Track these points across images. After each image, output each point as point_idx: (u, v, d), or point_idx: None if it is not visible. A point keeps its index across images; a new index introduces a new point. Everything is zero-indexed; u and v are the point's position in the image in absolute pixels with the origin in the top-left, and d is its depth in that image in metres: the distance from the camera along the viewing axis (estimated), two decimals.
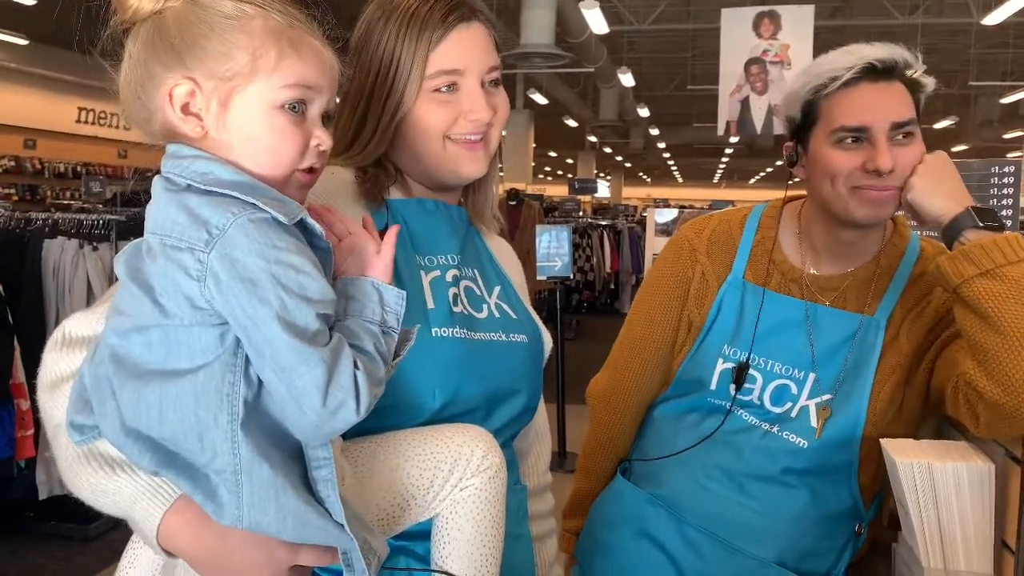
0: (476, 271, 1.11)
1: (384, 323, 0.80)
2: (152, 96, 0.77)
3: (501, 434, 1.03)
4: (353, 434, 0.92)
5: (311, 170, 0.82)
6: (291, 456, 0.76)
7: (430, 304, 1.00)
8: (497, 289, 1.12)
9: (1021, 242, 1.08)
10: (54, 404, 0.84)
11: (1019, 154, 15.07)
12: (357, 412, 0.72)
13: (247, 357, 0.73)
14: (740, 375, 1.29)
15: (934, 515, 1.10)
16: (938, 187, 1.15)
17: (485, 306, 1.08)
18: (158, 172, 0.78)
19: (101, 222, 3.73)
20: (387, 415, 0.93)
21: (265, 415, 0.74)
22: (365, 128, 1.03)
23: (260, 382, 0.74)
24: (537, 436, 1.23)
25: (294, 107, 0.79)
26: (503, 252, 1.20)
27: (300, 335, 0.70)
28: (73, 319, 0.88)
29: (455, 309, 1.02)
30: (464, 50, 1.01)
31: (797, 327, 1.29)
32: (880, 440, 1.17)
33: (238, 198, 0.73)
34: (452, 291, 1.03)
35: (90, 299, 3.48)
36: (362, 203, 1.03)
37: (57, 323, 3.82)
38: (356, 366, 0.73)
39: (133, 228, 3.72)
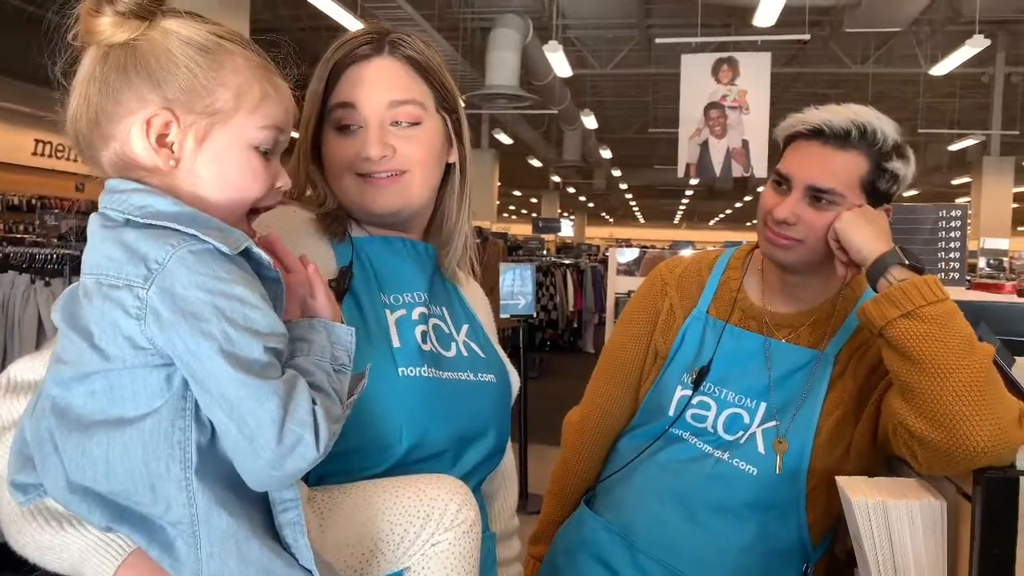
0: (444, 309, 1.10)
1: (335, 360, 0.77)
2: (115, 123, 0.74)
3: (470, 479, 1.01)
4: (316, 480, 0.89)
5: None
6: (253, 502, 0.73)
7: (396, 343, 0.98)
8: (465, 327, 1.11)
9: (939, 284, 1.14)
10: (1, 454, 0.80)
11: (967, 199, 15.57)
12: (316, 448, 0.69)
13: (194, 399, 0.69)
14: (700, 377, 1.33)
15: (889, 552, 1.11)
16: (866, 226, 1.20)
17: (453, 344, 1.07)
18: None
19: (54, 256, 3.65)
20: (352, 459, 0.91)
21: (222, 460, 0.70)
22: (298, 167, 1.05)
23: (212, 429, 0.70)
24: (504, 479, 1.21)
25: (266, 149, 0.78)
26: (471, 290, 1.20)
27: (248, 369, 0.67)
28: (19, 363, 0.85)
29: (424, 347, 1.01)
30: (358, 85, 1.01)
31: (753, 359, 1.33)
32: (835, 478, 1.19)
33: (177, 230, 0.70)
34: (420, 329, 1.02)
35: (40, 336, 3.38)
36: (326, 239, 1.03)
37: (4, 359, 3.67)
38: (313, 400, 0.70)
39: None
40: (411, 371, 0.97)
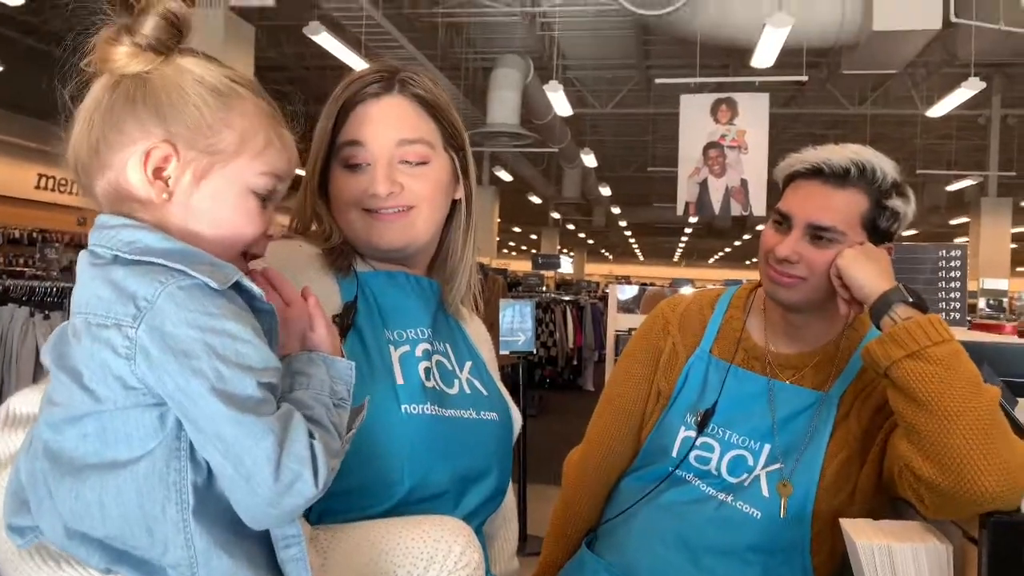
0: (448, 345, 1.09)
1: (334, 394, 0.76)
2: (115, 152, 0.74)
3: (472, 520, 1.00)
4: (316, 518, 0.88)
5: None
6: (254, 541, 0.72)
7: (399, 379, 0.98)
8: (468, 364, 1.11)
9: (943, 323, 1.13)
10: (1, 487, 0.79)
11: (965, 239, 15.63)
12: (315, 485, 0.68)
13: (188, 439, 0.69)
14: (705, 420, 1.31)
15: None
16: (868, 263, 1.20)
17: (456, 381, 1.06)
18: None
19: (54, 290, 3.65)
20: (353, 498, 0.90)
21: (219, 500, 0.69)
22: (304, 201, 1.05)
23: (207, 469, 0.69)
24: (504, 520, 1.19)
25: (264, 195, 0.79)
26: (474, 327, 1.19)
27: (241, 407, 0.66)
28: (18, 396, 0.84)
29: (427, 384, 1.00)
30: (367, 124, 1.02)
31: (757, 400, 1.32)
32: (839, 520, 1.17)
33: (166, 266, 0.69)
34: (424, 365, 1.01)
35: (38, 369, 3.36)
36: (331, 274, 1.03)
37: (1, 393, 3.65)
38: (311, 435, 0.69)
39: None
40: (414, 408, 0.96)
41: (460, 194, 1.11)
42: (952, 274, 2.52)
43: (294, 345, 0.81)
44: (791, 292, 1.27)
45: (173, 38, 0.76)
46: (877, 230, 1.25)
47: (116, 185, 0.75)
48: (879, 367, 1.14)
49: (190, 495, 0.68)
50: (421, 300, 1.07)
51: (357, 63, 8.18)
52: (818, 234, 1.24)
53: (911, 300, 1.15)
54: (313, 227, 1.08)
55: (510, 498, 1.19)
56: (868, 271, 1.18)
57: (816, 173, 1.25)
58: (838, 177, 1.24)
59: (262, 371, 0.68)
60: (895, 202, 1.25)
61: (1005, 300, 10.60)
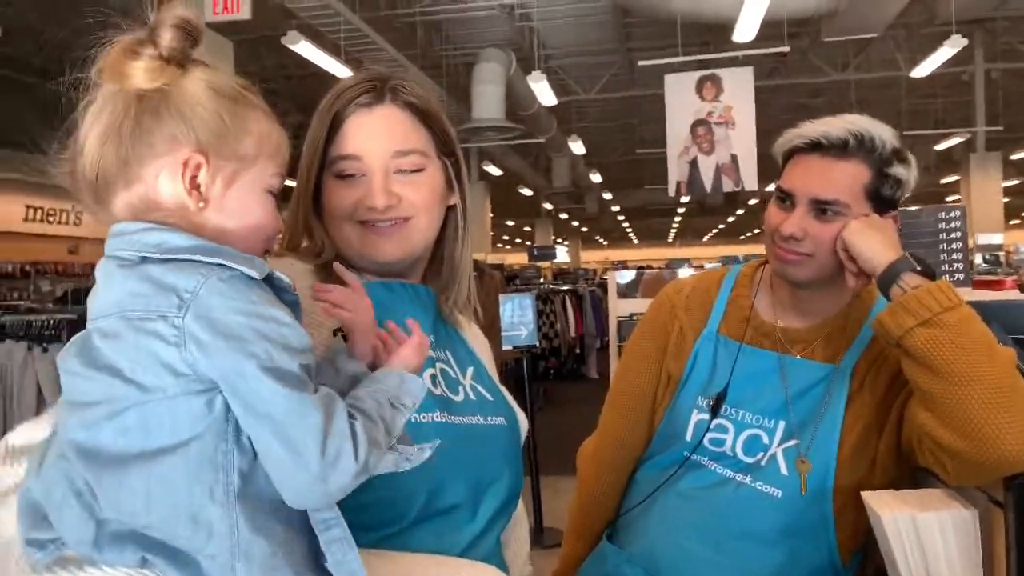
0: (448, 353, 1.08)
1: (397, 399, 0.79)
2: (145, 166, 0.76)
3: (490, 532, 0.99)
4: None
5: None
6: (293, 530, 0.73)
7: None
8: (471, 370, 1.09)
9: (952, 289, 1.12)
10: (2, 519, 0.79)
11: (957, 197, 15.62)
12: (356, 460, 0.70)
13: (237, 425, 0.70)
14: (718, 403, 1.30)
15: (922, 567, 1.08)
16: (875, 234, 1.18)
17: (461, 388, 1.05)
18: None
19: (52, 322, 3.62)
20: (371, 512, 0.88)
21: (261, 486, 0.71)
22: (296, 214, 1.04)
23: (252, 453, 0.71)
24: (515, 524, 1.18)
25: (276, 193, 0.82)
26: (472, 332, 1.18)
27: (291, 384, 0.69)
28: (15, 432, 0.84)
29: (435, 391, 0.99)
30: (362, 136, 1.01)
31: (768, 378, 1.31)
32: (861, 493, 1.16)
33: (202, 261, 0.72)
34: (429, 372, 1.00)
35: (40, 405, 3.32)
36: None
37: (4, 430, 3.61)
38: (352, 416, 0.72)
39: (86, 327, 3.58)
40: (423, 417, 0.95)
41: (454, 200, 1.10)
42: (953, 235, 2.51)
43: (366, 352, 0.86)
44: (799, 269, 1.25)
45: (190, 47, 0.78)
46: (881, 199, 1.24)
47: (146, 197, 0.76)
48: (891, 337, 1.12)
49: (236, 477, 0.70)
50: (419, 309, 1.06)
51: (339, 69, 8.14)
52: (822, 208, 1.22)
53: (919, 268, 1.14)
54: (304, 243, 1.06)
55: (519, 502, 1.18)
56: (874, 242, 1.17)
57: (815, 147, 1.24)
58: (837, 149, 1.22)
59: (303, 353, 0.72)
60: (897, 169, 1.23)
61: (1001, 254, 10.59)
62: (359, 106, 1.01)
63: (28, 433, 0.84)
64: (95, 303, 0.75)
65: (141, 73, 0.75)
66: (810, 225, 1.23)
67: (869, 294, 1.32)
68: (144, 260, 0.73)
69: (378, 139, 1.00)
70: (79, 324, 3.60)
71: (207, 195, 0.77)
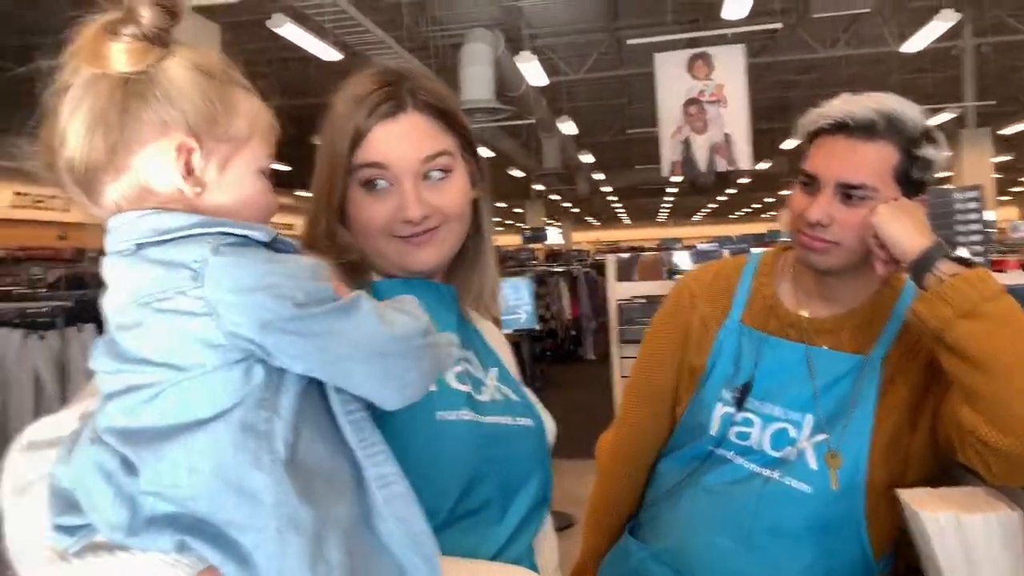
0: (471, 352, 1.05)
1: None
2: (134, 153, 0.72)
3: (522, 536, 0.97)
4: None
5: None
6: (347, 495, 0.72)
7: (432, 385, 0.93)
8: (494, 371, 1.07)
9: (992, 277, 1.07)
10: (22, 511, 0.76)
11: (949, 174, 15.65)
12: (416, 319, 0.76)
13: (278, 391, 0.70)
14: (743, 395, 1.27)
15: (964, 569, 1.04)
16: (905, 219, 1.14)
17: (485, 389, 1.02)
18: (101, 253, 0.74)
19: (46, 309, 3.58)
20: None
21: (308, 454, 0.70)
22: (319, 223, 1.01)
23: (294, 420, 0.70)
24: (544, 534, 1.13)
25: (266, 173, 0.80)
26: (491, 332, 1.15)
27: (331, 302, 0.70)
28: (35, 425, 0.81)
29: (462, 388, 0.97)
30: (388, 145, 0.97)
31: (795, 370, 1.27)
32: (896, 491, 1.13)
33: (204, 233, 0.70)
34: (456, 370, 0.97)
35: (38, 394, 3.28)
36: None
37: (2, 419, 3.53)
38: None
39: (81, 312, 3.54)
40: (450, 415, 0.93)
41: (476, 194, 1.08)
42: (970, 216, 2.46)
43: None
44: (826, 257, 1.21)
45: (171, 26, 0.74)
46: (911, 182, 1.20)
47: (138, 185, 0.73)
48: (929, 329, 1.08)
49: (280, 445, 0.68)
50: (442, 306, 1.03)
51: (326, 52, 8.06)
52: (849, 192, 1.18)
53: (954, 256, 1.10)
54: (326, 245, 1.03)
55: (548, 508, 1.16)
56: (905, 227, 1.13)
57: (841, 128, 1.19)
58: (864, 130, 1.18)
59: (328, 278, 0.73)
60: (926, 150, 1.19)
61: (994, 231, 10.64)
62: (381, 117, 0.98)
63: (49, 427, 0.81)
64: (108, 304, 0.73)
65: (123, 55, 0.70)
66: (836, 210, 1.18)
67: (897, 280, 1.27)
68: (141, 247, 0.70)
69: (406, 148, 0.98)
70: (73, 310, 3.57)
71: (202, 179, 0.74)
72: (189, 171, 0.74)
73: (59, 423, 0.80)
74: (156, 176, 0.73)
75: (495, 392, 1.03)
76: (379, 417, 0.87)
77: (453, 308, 1.06)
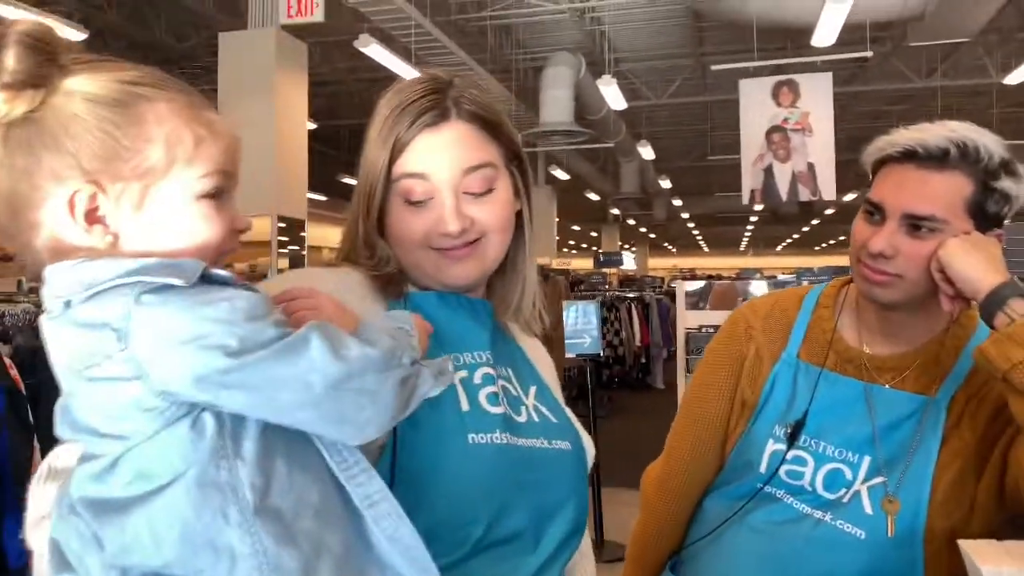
0: (510, 370, 1.01)
1: (397, 324, 0.76)
2: (37, 208, 0.67)
3: (553, 565, 0.92)
4: None
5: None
6: (331, 524, 0.68)
7: (464, 406, 0.90)
8: (533, 390, 1.03)
9: None
10: (38, 544, 0.76)
11: None
12: (374, 347, 0.68)
13: (234, 436, 0.65)
14: (795, 431, 1.20)
15: None
16: (975, 253, 1.07)
17: (523, 408, 0.98)
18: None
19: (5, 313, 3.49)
20: (427, 540, 0.81)
21: (281, 493, 0.66)
22: (357, 234, 0.99)
23: (261, 460, 0.65)
24: (581, 556, 1.09)
25: (214, 193, 0.72)
26: (534, 348, 1.11)
27: (275, 343, 0.64)
28: (58, 451, 0.80)
29: (496, 410, 0.92)
30: (429, 155, 0.94)
31: (852, 408, 1.20)
32: (959, 542, 1.05)
33: (122, 284, 0.64)
34: (489, 390, 0.93)
35: None
36: (380, 300, 0.97)
37: None
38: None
39: None
40: (482, 438, 0.89)
41: (519, 206, 1.04)
42: None
43: None
44: (887, 291, 1.15)
45: (46, 63, 0.66)
46: (985, 215, 1.12)
47: (53, 241, 0.68)
48: (997, 370, 1.02)
49: (247, 491, 0.64)
50: (476, 322, 1.00)
51: (409, 73, 8.21)
52: (916, 224, 1.11)
53: None
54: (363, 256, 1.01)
55: (585, 534, 1.10)
56: (975, 263, 1.06)
57: (910, 156, 1.13)
58: (935, 159, 1.11)
59: (268, 313, 0.66)
60: (1005, 183, 1.11)
61: None
62: (424, 126, 0.95)
63: (71, 453, 0.81)
64: (55, 366, 0.69)
65: None
66: (901, 242, 1.12)
67: (969, 319, 1.20)
68: (68, 305, 0.66)
69: (447, 159, 0.95)
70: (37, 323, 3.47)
71: (115, 227, 0.68)
72: (94, 220, 0.67)
73: (79, 448, 0.79)
74: (63, 231, 0.67)
75: (533, 412, 0.99)
76: (410, 441, 0.85)
77: (487, 323, 1.01)
